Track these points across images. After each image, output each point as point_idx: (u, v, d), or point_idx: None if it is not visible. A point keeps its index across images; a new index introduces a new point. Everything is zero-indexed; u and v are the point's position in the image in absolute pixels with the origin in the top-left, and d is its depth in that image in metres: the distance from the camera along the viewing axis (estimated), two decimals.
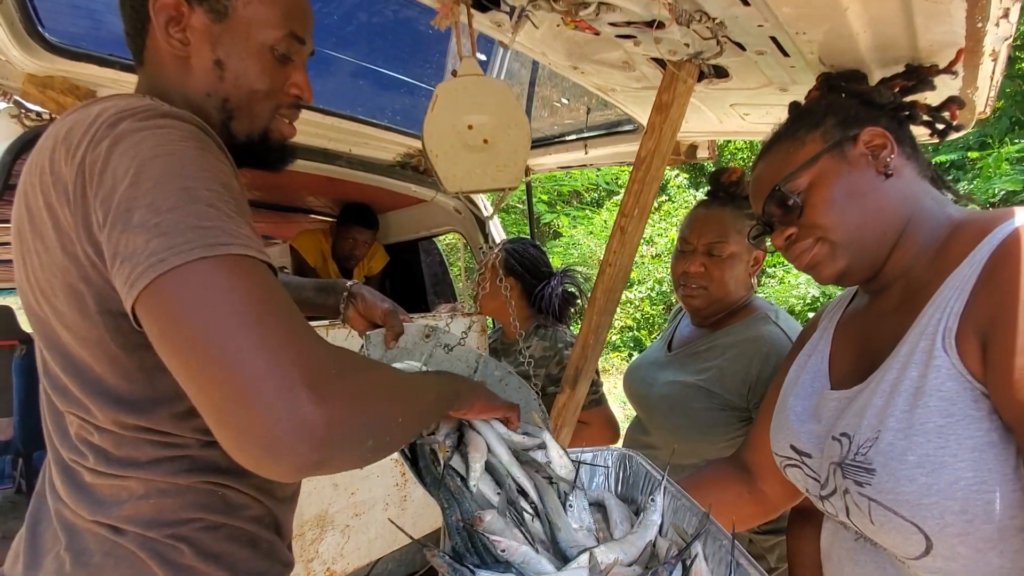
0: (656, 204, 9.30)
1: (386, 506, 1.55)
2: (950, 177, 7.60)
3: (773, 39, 0.98)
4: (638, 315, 8.87)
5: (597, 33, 1.15)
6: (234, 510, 0.72)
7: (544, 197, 10.11)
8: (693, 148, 2.03)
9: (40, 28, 1.14)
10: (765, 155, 0.89)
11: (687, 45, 1.12)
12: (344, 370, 0.54)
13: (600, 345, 1.46)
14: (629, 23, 1.07)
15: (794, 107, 0.96)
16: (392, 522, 0.83)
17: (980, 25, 0.73)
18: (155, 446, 0.66)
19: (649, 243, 8.68)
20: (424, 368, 1.05)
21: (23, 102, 1.28)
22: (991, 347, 0.61)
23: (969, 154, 7.10)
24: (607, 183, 10.03)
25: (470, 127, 1.05)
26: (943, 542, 0.64)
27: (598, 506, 0.91)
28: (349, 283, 1.05)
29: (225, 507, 0.71)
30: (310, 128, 1.76)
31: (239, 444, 0.49)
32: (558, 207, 10.12)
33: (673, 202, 9.04)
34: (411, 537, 0.79)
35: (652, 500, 0.84)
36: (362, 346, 1.02)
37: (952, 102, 0.88)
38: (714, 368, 1.33)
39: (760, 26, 0.92)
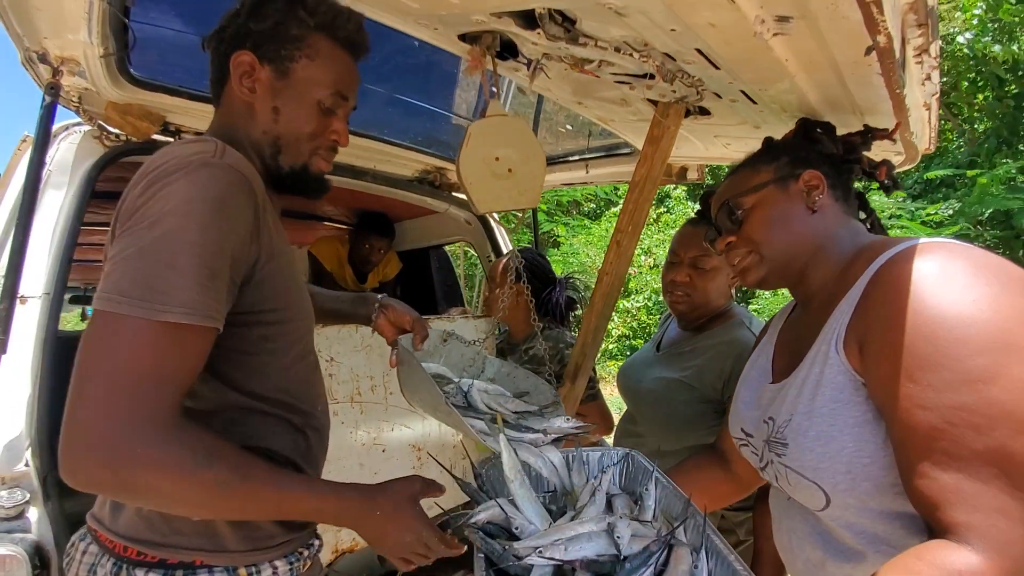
0: (655, 215, 9.57)
1: None
2: (939, 195, 7.84)
3: (743, 91, 1.19)
4: (635, 324, 9.06)
5: (598, 76, 1.36)
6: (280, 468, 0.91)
7: (543, 207, 10.33)
8: (684, 170, 2.24)
9: (128, 66, 1.34)
10: (731, 174, 1.09)
11: (674, 91, 1.33)
12: (131, 455, 0.67)
13: (597, 345, 1.67)
14: (627, 74, 1.28)
15: (766, 141, 1.14)
16: (440, 463, 0.96)
17: (899, 91, 0.94)
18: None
19: (647, 253, 8.89)
20: (444, 368, 1.23)
21: (105, 125, 1.48)
22: (865, 349, 0.77)
23: (968, 172, 7.28)
24: (605, 194, 10.28)
25: (497, 159, 1.26)
26: (836, 496, 0.81)
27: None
28: (380, 296, 1.22)
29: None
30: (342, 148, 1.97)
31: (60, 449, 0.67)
32: (556, 216, 10.33)
33: (671, 214, 9.28)
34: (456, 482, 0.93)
35: (646, 490, 1.00)
36: (392, 350, 1.18)
37: (882, 165, 1.08)
38: (695, 366, 1.53)
39: (730, 83, 1.14)
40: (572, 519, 0.92)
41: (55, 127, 1.49)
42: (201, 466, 0.70)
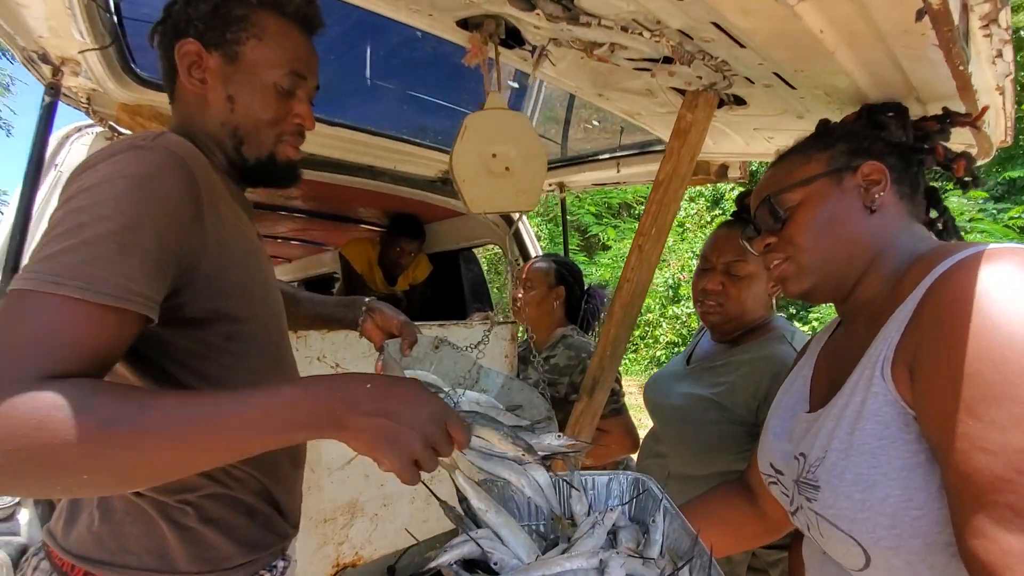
0: (709, 218, 9.19)
1: (412, 499, 1.66)
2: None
3: (777, 75, 1.04)
4: (684, 331, 8.73)
5: (616, 64, 1.23)
6: (235, 482, 0.83)
7: (592, 209, 10.14)
8: (724, 168, 2.06)
9: (132, 65, 1.33)
10: (776, 162, 0.94)
11: (700, 77, 1.19)
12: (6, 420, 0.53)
13: (618, 357, 1.53)
14: (644, 59, 1.15)
15: (821, 124, 0.99)
16: (425, 485, 0.90)
17: (962, 68, 0.77)
18: None
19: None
20: (434, 376, 1.15)
21: (116, 127, 1.49)
22: (917, 375, 0.65)
23: None
24: None
25: (494, 155, 1.16)
26: (878, 555, 0.67)
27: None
28: (367, 299, 1.16)
29: (227, 479, 0.82)
30: (359, 147, 1.92)
31: None
32: (605, 219, 10.10)
33: (727, 216, 8.89)
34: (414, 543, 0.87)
35: (653, 521, 0.90)
36: (379, 356, 1.11)
37: (961, 158, 0.89)
38: (727, 383, 1.37)
39: (760, 64, 0.98)
40: (564, 552, 0.82)
41: (67, 128, 1.51)
42: (77, 410, 0.54)
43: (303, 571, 1.43)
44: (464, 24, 1.15)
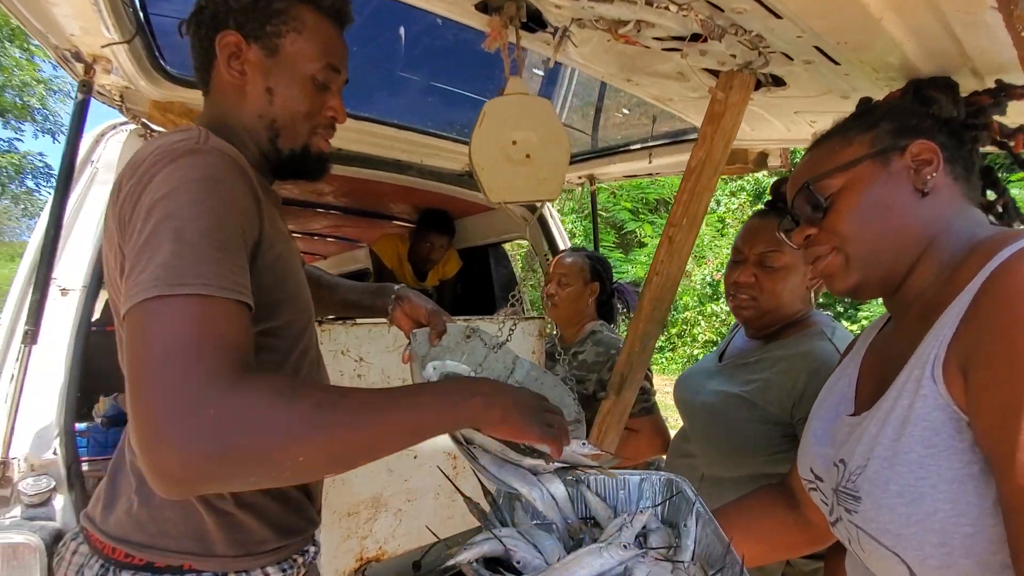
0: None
1: (437, 495, 1.65)
2: None
3: (818, 48, 0.96)
4: (723, 329, 8.50)
5: (646, 45, 1.17)
6: None
7: (627, 205, 9.96)
8: (763, 156, 1.96)
9: (162, 62, 1.35)
10: (814, 146, 0.87)
11: (734, 56, 1.12)
12: (227, 419, 0.56)
13: (647, 353, 1.47)
14: (673, 37, 1.09)
15: (862, 102, 0.92)
16: (444, 475, 0.88)
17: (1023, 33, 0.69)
18: None
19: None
20: (465, 367, 1.13)
21: (149, 123, 1.52)
22: (972, 377, 0.58)
23: None
24: None
25: (514, 142, 1.12)
26: (925, 575, 0.61)
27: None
28: (397, 287, 1.16)
29: None
30: (386, 141, 1.92)
31: (140, 459, 0.57)
32: (642, 215, 9.92)
33: None
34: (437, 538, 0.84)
35: (685, 526, 0.85)
36: (407, 345, 1.11)
37: (1020, 132, 0.81)
38: (760, 380, 1.30)
39: (799, 37, 0.91)
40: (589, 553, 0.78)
41: (103, 126, 1.56)
42: (287, 398, 0.59)
43: (327, 564, 1.43)
44: (484, 8, 1.12)
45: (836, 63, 1.02)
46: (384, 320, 1.17)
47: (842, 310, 7.58)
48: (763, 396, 1.27)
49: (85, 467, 1.42)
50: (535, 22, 1.14)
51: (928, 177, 0.74)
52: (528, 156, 1.10)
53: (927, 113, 0.81)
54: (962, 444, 0.59)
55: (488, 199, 1.12)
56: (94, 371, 1.42)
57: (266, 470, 0.59)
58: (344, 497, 1.49)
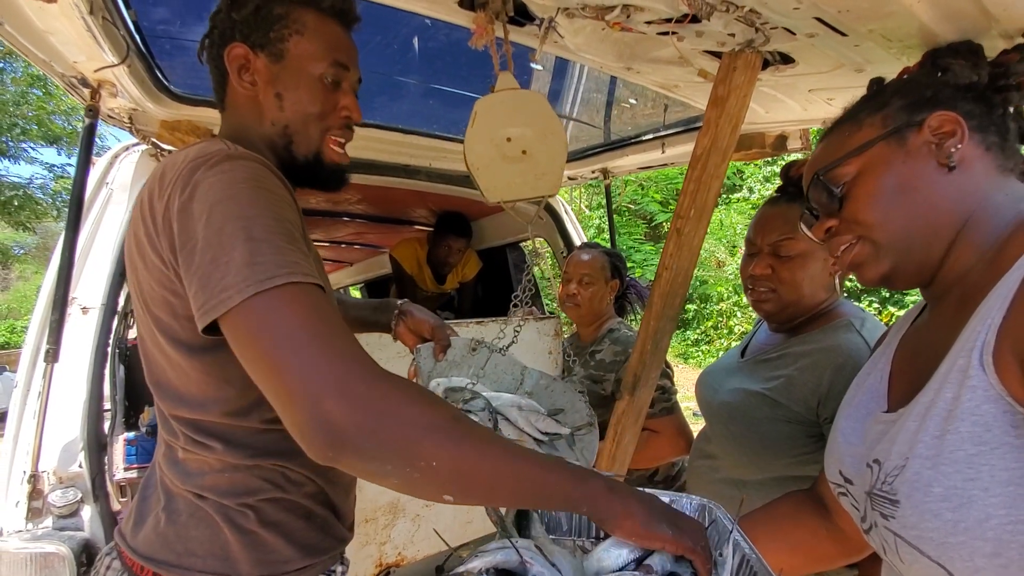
0: None
1: None
2: None
3: (820, 20, 0.90)
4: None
5: (640, 31, 1.13)
6: (293, 486, 0.84)
7: (657, 196, 9.79)
8: (782, 139, 1.87)
9: (165, 82, 1.38)
10: (826, 134, 0.82)
11: (732, 35, 1.06)
12: (377, 388, 0.59)
13: (661, 351, 1.42)
14: (666, 20, 1.04)
15: (873, 83, 0.85)
16: (436, 533, 0.86)
17: None
18: (210, 436, 0.79)
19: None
20: (471, 382, 1.10)
21: (159, 143, 1.56)
22: None
23: None
24: (728, 178, 9.46)
25: (508, 139, 1.09)
26: None
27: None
28: (400, 302, 1.15)
29: (285, 483, 0.83)
30: (392, 146, 1.92)
31: (294, 433, 0.59)
32: (671, 206, 9.73)
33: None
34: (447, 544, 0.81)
35: (721, 555, 0.78)
36: (412, 361, 1.09)
37: None
38: (783, 377, 1.23)
39: (796, 8, 0.86)
40: None
41: (116, 148, 1.61)
42: (431, 400, 0.62)
43: None
44: (470, 5, 1.09)
45: (843, 34, 0.95)
46: None
47: (887, 295, 7.23)
48: (786, 394, 1.20)
49: (134, 474, 1.46)
50: (522, 15, 1.11)
51: (952, 150, 0.67)
52: (524, 152, 1.08)
53: (943, 82, 0.74)
54: (1018, 440, 0.54)
55: (486, 199, 1.09)
56: (140, 382, 1.46)
57: (403, 460, 0.58)
58: (361, 503, 1.48)
